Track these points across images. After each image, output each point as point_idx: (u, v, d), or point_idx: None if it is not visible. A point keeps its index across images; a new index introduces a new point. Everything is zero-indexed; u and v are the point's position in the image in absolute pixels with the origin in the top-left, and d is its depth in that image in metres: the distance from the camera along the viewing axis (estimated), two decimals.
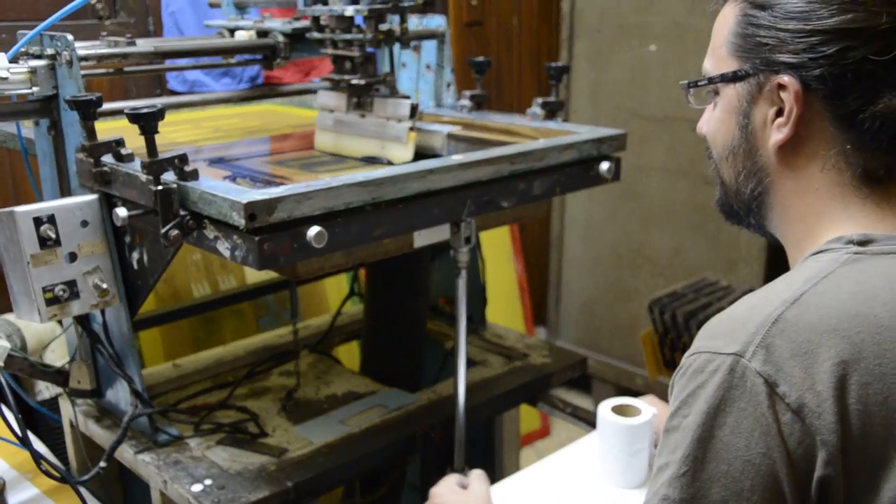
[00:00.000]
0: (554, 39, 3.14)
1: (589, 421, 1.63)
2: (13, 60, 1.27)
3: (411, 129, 1.44)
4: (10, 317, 1.82)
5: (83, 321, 1.41)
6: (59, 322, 1.52)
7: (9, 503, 1.39)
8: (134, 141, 1.22)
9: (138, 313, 1.40)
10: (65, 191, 1.37)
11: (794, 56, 0.81)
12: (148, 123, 1.14)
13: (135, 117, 1.13)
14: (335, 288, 2.19)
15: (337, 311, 1.96)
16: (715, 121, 0.92)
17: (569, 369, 1.80)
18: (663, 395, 1.09)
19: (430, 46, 1.76)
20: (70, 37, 1.26)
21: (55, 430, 1.68)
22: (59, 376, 1.47)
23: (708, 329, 0.79)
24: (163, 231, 1.14)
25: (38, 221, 1.23)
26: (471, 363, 1.70)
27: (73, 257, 1.28)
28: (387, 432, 1.50)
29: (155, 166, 1.14)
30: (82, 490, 1.38)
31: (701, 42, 0.94)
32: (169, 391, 1.64)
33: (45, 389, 1.88)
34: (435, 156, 1.43)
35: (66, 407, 1.57)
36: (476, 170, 1.30)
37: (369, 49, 1.45)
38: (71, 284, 1.28)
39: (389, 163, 1.46)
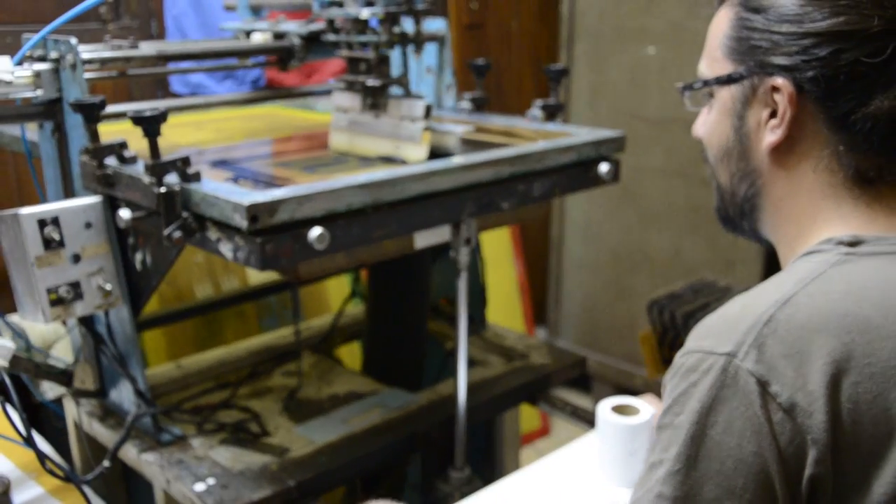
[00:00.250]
0: (553, 42, 3.15)
1: (589, 420, 1.64)
2: (18, 64, 1.28)
3: (425, 129, 1.46)
4: (14, 318, 1.83)
5: (87, 322, 1.43)
6: (63, 323, 1.53)
7: (14, 502, 1.40)
8: (137, 143, 1.24)
9: (141, 314, 1.41)
10: (69, 193, 1.38)
11: (787, 58, 0.82)
12: (151, 126, 1.15)
13: (138, 120, 1.14)
14: (336, 289, 2.20)
15: (339, 311, 1.97)
16: (710, 123, 0.93)
17: (568, 369, 1.81)
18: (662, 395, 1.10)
19: (430, 49, 1.78)
20: (74, 40, 1.28)
21: (59, 429, 1.69)
22: (63, 377, 1.49)
23: (700, 329, 0.80)
24: (166, 233, 1.15)
25: (42, 223, 1.25)
26: (471, 363, 1.71)
27: (76, 259, 1.29)
28: (388, 432, 1.51)
29: (158, 168, 1.15)
30: (86, 489, 1.39)
31: (699, 44, 0.94)
32: (172, 391, 1.65)
33: (49, 390, 1.89)
34: (449, 156, 1.45)
35: (70, 407, 1.58)
36: (476, 171, 1.31)
37: (383, 51, 1.47)
38: (75, 285, 1.29)
39: (404, 162, 1.48)
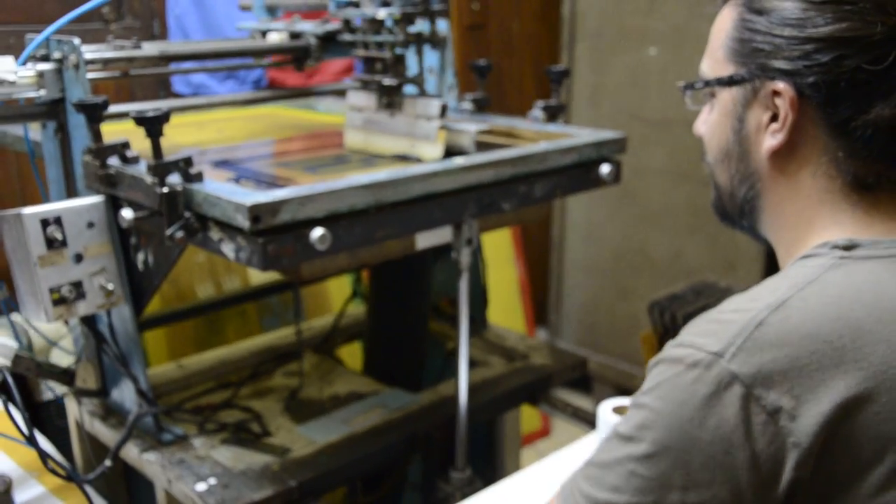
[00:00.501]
0: (555, 43, 3.15)
1: (589, 421, 1.65)
2: (22, 64, 1.29)
3: (441, 127, 1.47)
4: (16, 316, 1.84)
5: (89, 321, 1.43)
6: (65, 322, 1.54)
7: (16, 501, 1.40)
8: (139, 143, 1.24)
9: (143, 314, 1.41)
10: (71, 192, 1.38)
11: (789, 63, 0.82)
12: (154, 126, 1.15)
13: (141, 120, 1.14)
14: (338, 289, 2.21)
15: (340, 311, 1.97)
16: (711, 123, 0.93)
17: (569, 370, 1.81)
18: None
19: (432, 50, 1.78)
20: (77, 41, 1.28)
21: (61, 428, 1.69)
22: (65, 376, 1.49)
23: (694, 324, 0.80)
24: (168, 233, 1.15)
25: (45, 223, 1.25)
26: (472, 364, 1.71)
27: (79, 258, 1.29)
28: (389, 432, 1.51)
29: (160, 169, 1.15)
30: (88, 488, 1.39)
31: (701, 46, 0.94)
32: (173, 391, 1.65)
33: (51, 389, 1.89)
34: (463, 154, 1.47)
35: (72, 406, 1.59)
36: (478, 172, 1.31)
37: (398, 50, 1.49)
38: (77, 285, 1.29)
39: (419, 160, 1.49)
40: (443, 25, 1.76)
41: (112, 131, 1.32)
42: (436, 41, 1.52)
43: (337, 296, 2.20)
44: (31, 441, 1.32)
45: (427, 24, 1.54)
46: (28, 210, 1.24)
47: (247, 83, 2.39)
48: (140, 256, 1.33)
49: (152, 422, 1.42)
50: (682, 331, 0.81)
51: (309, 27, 1.68)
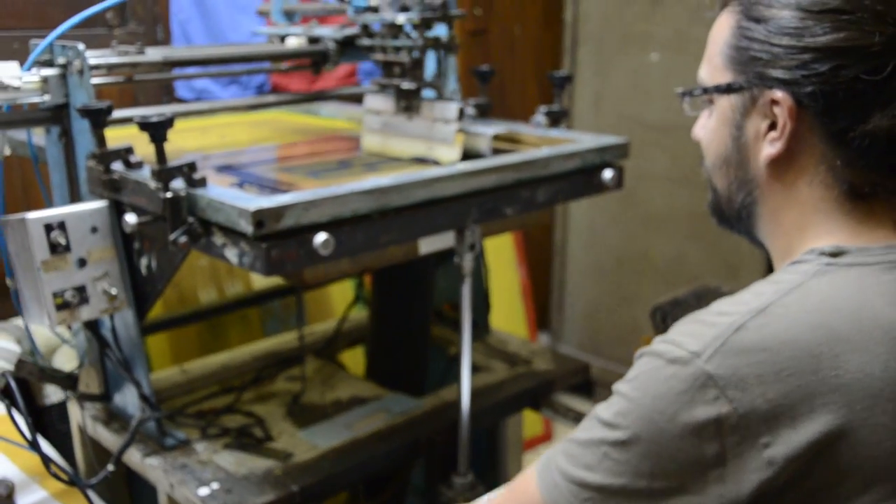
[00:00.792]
0: (557, 48, 3.16)
1: None
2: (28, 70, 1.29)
3: (458, 130, 1.49)
4: (19, 321, 1.84)
5: (92, 326, 1.43)
6: (68, 327, 1.54)
7: None
8: (142, 147, 1.24)
9: (146, 318, 1.41)
10: (75, 197, 1.38)
11: (786, 72, 0.82)
12: (158, 132, 1.15)
13: (145, 126, 1.15)
14: (340, 293, 2.21)
15: (343, 316, 1.97)
16: (709, 130, 0.94)
17: (572, 375, 1.81)
18: None
19: (427, 56, 1.79)
20: (81, 46, 1.28)
21: (63, 433, 1.70)
22: (68, 381, 1.49)
23: (682, 323, 0.82)
24: (171, 238, 1.15)
25: (48, 227, 1.25)
26: (474, 369, 1.71)
27: (82, 263, 1.29)
28: (392, 437, 1.51)
29: (164, 174, 1.15)
30: (90, 493, 1.40)
31: (702, 51, 0.95)
32: (176, 395, 1.65)
33: (53, 393, 1.89)
34: (480, 157, 1.49)
35: (74, 410, 1.59)
36: (481, 178, 1.31)
37: (416, 54, 1.51)
38: (80, 290, 1.29)
39: (437, 163, 1.51)
40: (443, 30, 1.77)
41: (115, 136, 1.32)
42: (452, 46, 1.54)
43: (339, 300, 2.20)
44: (34, 445, 1.32)
45: (444, 29, 1.55)
46: (32, 215, 1.24)
47: (250, 88, 2.39)
48: (143, 261, 1.33)
49: (155, 426, 1.42)
50: (671, 328, 0.82)
51: (327, 32, 1.70)
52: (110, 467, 1.38)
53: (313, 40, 1.71)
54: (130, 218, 1.22)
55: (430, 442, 1.54)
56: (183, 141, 1.71)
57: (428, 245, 1.35)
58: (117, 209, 1.31)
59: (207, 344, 1.97)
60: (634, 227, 2.93)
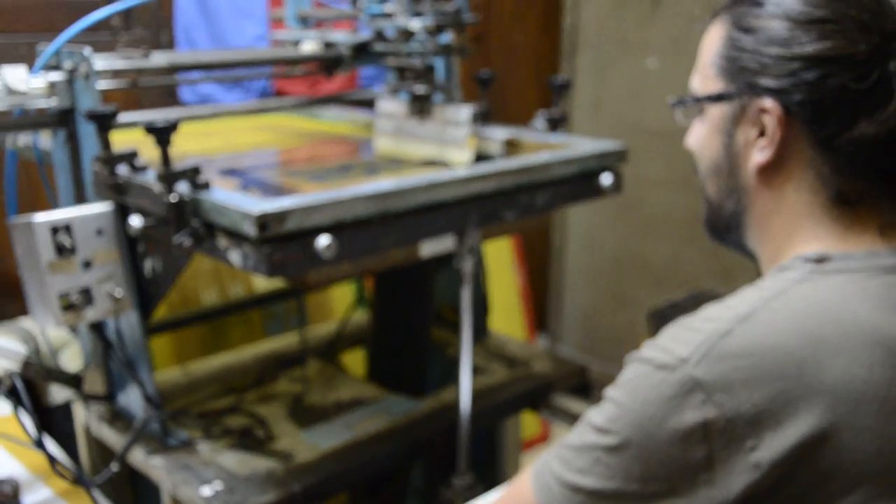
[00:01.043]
0: (556, 53, 3.17)
1: None
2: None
3: (470, 133, 1.52)
4: (25, 322, 1.85)
5: (97, 327, 1.45)
6: (73, 329, 1.56)
7: None
8: (147, 151, 1.26)
9: (150, 320, 1.43)
10: (81, 200, 1.40)
11: (775, 81, 0.84)
12: (163, 136, 1.17)
13: (151, 130, 1.16)
14: (341, 296, 2.22)
15: (344, 318, 1.99)
16: (701, 138, 0.96)
17: (570, 377, 1.82)
18: None
19: (436, 61, 1.80)
20: (88, 51, 1.30)
21: (67, 433, 1.71)
22: (73, 381, 1.50)
23: (670, 329, 0.83)
24: (176, 240, 1.17)
25: (54, 230, 1.27)
26: (474, 371, 1.72)
27: (88, 265, 1.31)
28: (392, 438, 1.53)
29: (169, 177, 1.17)
30: (95, 492, 1.41)
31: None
32: (179, 396, 1.67)
33: (57, 393, 1.91)
34: (490, 159, 1.52)
35: (79, 411, 1.60)
36: (481, 183, 1.33)
37: (429, 59, 1.55)
38: (86, 291, 1.31)
39: (449, 166, 1.54)
40: (444, 36, 1.78)
41: (120, 140, 1.34)
42: (463, 51, 1.58)
43: (340, 302, 2.21)
44: (39, 445, 1.34)
45: (447, 36, 1.59)
46: (38, 217, 1.26)
47: (252, 92, 2.41)
48: (148, 264, 1.35)
49: (158, 426, 1.44)
50: (661, 334, 0.84)
51: (342, 37, 1.74)
52: (114, 467, 1.40)
53: (328, 45, 1.75)
54: (135, 221, 1.24)
55: (429, 443, 1.55)
56: (186, 144, 1.73)
57: (429, 248, 1.37)
58: (122, 212, 1.32)
59: (210, 345, 1.98)
60: (632, 231, 2.95)
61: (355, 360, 2.03)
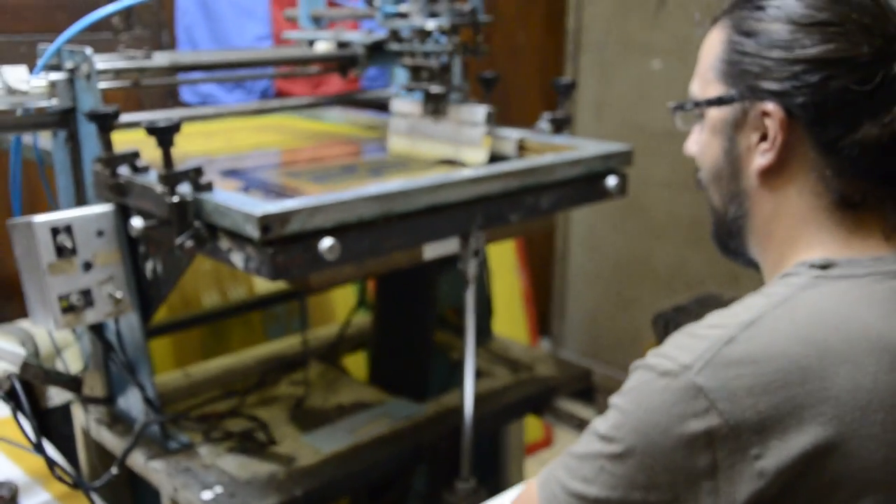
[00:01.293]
0: (560, 54, 3.16)
1: None
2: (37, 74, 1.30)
3: (486, 133, 1.52)
4: (24, 323, 1.84)
5: (97, 329, 1.44)
6: (73, 330, 1.54)
7: None
8: (148, 151, 1.25)
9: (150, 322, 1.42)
10: (81, 201, 1.39)
11: (777, 84, 0.83)
12: (165, 136, 1.16)
13: (153, 130, 1.15)
14: (342, 298, 2.21)
15: (346, 321, 1.97)
16: (702, 144, 0.95)
17: (574, 381, 1.81)
18: None
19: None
20: (89, 51, 1.29)
21: (66, 436, 1.70)
22: (72, 383, 1.49)
23: (676, 336, 0.82)
24: (177, 242, 1.16)
25: (55, 231, 1.26)
26: (477, 374, 1.71)
27: (88, 266, 1.30)
28: (395, 442, 1.51)
29: (171, 178, 1.16)
30: (94, 496, 1.40)
31: None
32: (179, 399, 1.66)
33: (56, 396, 1.90)
34: (505, 160, 1.51)
35: (78, 413, 1.59)
36: (485, 184, 1.32)
37: (444, 59, 1.55)
38: (86, 293, 1.30)
39: (464, 165, 1.54)
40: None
41: (121, 140, 1.33)
42: (479, 51, 1.57)
43: (341, 305, 2.20)
44: (38, 448, 1.33)
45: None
46: (39, 218, 1.24)
47: (254, 93, 2.40)
48: (149, 265, 1.34)
49: (159, 430, 1.43)
50: (665, 341, 0.83)
51: (356, 37, 1.74)
52: (114, 470, 1.38)
53: (342, 45, 1.75)
54: (136, 222, 1.23)
55: (432, 447, 1.54)
56: (187, 145, 1.72)
57: (432, 251, 1.36)
58: (123, 213, 1.31)
59: (210, 347, 1.97)
60: (636, 234, 2.94)
61: (357, 363, 2.02)
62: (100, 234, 1.31)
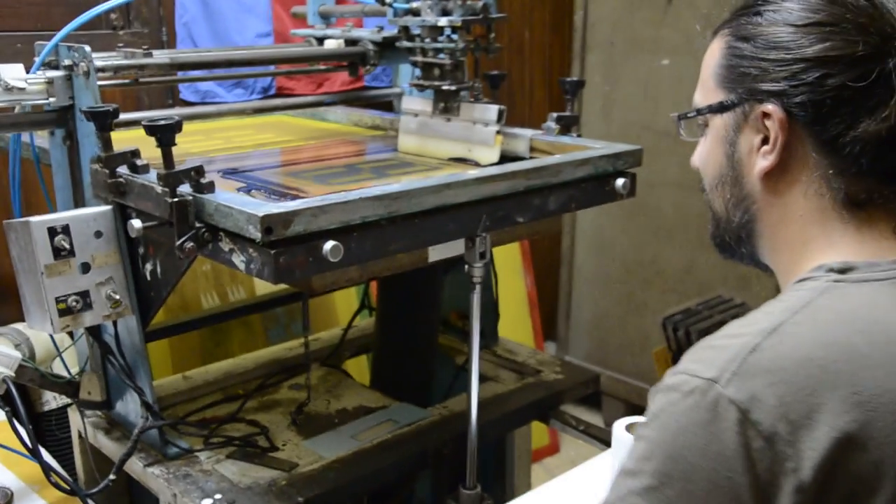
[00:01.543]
0: (566, 52, 3.14)
1: (601, 439, 1.62)
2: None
3: (497, 132, 1.51)
4: (19, 326, 1.82)
5: (95, 332, 1.41)
6: (70, 333, 1.52)
7: None
8: (147, 151, 1.22)
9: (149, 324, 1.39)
10: (79, 201, 1.37)
11: (775, 84, 0.85)
12: (165, 136, 1.13)
13: (153, 129, 1.12)
14: (344, 301, 2.19)
15: (348, 324, 1.95)
16: (705, 152, 0.96)
17: (582, 386, 1.79)
18: None
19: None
20: (87, 48, 1.26)
21: (62, 440, 1.68)
22: (69, 387, 1.47)
23: (693, 351, 0.80)
24: (178, 243, 1.13)
25: (52, 232, 1.23)
26: (483, 378, 1.69)
27: (86, 268, 1.27)
28: (398, 448, 1.49)
29: (171, 178, 1.13)
30: (91, 503, 1.37)
31: None
32: (178, 403, 1.63)
33: (52, 399, 1.88)
34: (518, 159, 1.49)
35: (75, 418, 1.57)
36: (492, 185, 1.29)
37: (456, 57, 1.53)
38: (84, 295, 1.27)
39: (476, 164, 1.53)
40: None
41: (118, 139, 1.30)
42: (491, 49, 1.56)
43: (343, 308, 2.18)
44: (34, 454, 1.30)
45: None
46: (36, 218, 1.22)
47: (255, 92, 2.37)
48: (148, 267, 1.31)
49: (157, 435, 1.40)
50: (682, 358, 0.81)
51: (366, 34, 1.72)
52: (112, 477, 1.36)
53: (351, 42, 1.73)
54: (136, 223, 1.20)
55: (436, 453, 1.52)
56: (187, 144, 1.69)
57: (438, 253, 1.33)
58: (122, 213, 1.29)
59: (209, 351, 1.95)
60: (643, 235, 2.91)
61: (360, 367, 1.99)
62: (98, 234, 1.28)
